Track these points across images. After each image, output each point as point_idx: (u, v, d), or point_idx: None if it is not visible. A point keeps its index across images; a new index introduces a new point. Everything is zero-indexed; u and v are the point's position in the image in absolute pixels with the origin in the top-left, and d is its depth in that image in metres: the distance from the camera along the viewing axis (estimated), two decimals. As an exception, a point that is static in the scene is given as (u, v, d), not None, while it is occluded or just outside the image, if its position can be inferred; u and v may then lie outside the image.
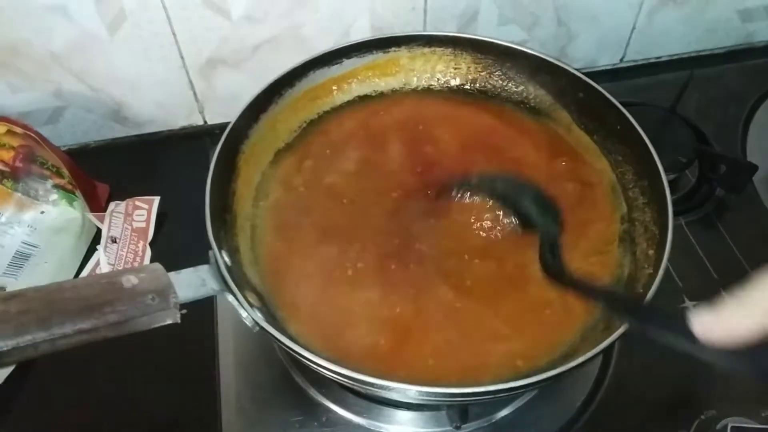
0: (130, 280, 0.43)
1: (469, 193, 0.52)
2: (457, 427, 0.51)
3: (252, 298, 0.47)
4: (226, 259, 0.47)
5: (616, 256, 0.51)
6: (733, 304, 0.24)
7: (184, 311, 0.44)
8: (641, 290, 0.46)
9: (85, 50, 0.66)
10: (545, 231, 0.48)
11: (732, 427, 0.48)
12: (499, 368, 0.45)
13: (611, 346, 0.41)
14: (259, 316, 0.44)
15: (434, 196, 0.53)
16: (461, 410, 0.50)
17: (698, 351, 0.26)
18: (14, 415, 0.56)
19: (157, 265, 0.44)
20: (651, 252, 0.49)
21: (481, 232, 0.52)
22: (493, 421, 0.54)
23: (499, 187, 0.52)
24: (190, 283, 0.45)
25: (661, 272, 0.44)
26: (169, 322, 0.44)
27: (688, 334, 0.26)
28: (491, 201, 0.52)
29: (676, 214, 0.66)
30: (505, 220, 0.51)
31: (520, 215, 0.51)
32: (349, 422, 0.54)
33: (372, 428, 0.54)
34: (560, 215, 0.49)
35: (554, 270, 0.45)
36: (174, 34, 0.66)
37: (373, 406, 0.54)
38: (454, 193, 0.52)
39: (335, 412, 0.54)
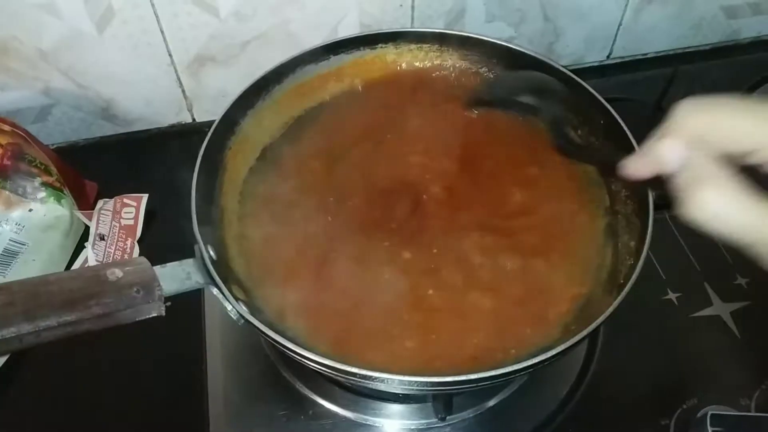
0: (115, 273, 0.43)
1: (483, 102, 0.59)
2: (442, 419, 0.51)
3: (237, 292, 0.47)
4: (212, 253, 0.48)
5: (599, 248, 0.51)
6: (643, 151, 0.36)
7: (168, 304, 0.44)
8: (622, 281, 0.47)
9: (73, 48, 0.66)
10: (550, 114, 0.55)
11: (711, 415, 0.48)
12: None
13: (595, 334, 0.41)
14: (244, 309, 0.45)
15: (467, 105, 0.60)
16: (446, 401, 0.51)
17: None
18: (3, 409, 0.56)
19: (142, 259, 0.45)
20: (632, 244, 0.49)
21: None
22: (479, 412, 0.54)
23: (507, 84, 0.60)
24: (175, 276, 0.45)
25: (640, 263, 0.44)
26: (154, 315, 0.44)
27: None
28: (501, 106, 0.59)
29: (660, 207, 0.67)
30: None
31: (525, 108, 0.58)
32: (335, 415, 0.54)
33: (358, 421, 0.54)
34: (562, 91, 0.56)
35: (565, 146, 0.53)
36: (162, 32, 0.66)
37: (359, 399, 0.54)
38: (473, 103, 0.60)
39: (322, 406, 0.54)
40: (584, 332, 0.41)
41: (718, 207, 0.31)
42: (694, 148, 0.32)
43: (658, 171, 0.35)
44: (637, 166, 0.37)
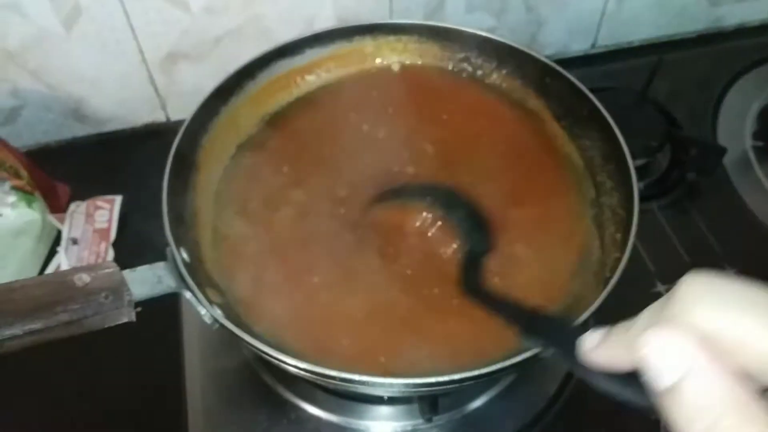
0: (83, 279, 0.42)
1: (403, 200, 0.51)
2: (429, 420, 0.50)
3: (213, 295, 0.46)
4: (185, 255, 0.46)
5: (585, 242, 0.50)
6: (621, 335, 0.23)
7: (138, 309, 0.43)
8: (608, 274, 0.45)
9: (40, 47, 0.64)
10: (472, 246, 0.48)
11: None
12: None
13: (584, 328, 0.40)
14: (218, 313, 0.43)
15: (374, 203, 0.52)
16: (431, 402, 0.49)
17: (586, 375, 0.26)
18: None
19: (111, 263, 0.43)
20: (618, 236, 0.48)
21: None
22: (465, 412, 0.53)
23: (435, 196, 0.51)
24: (146, 280, 0.44)
25: (626, 255, 0.43)
26: (124, 320, 0.43)
27: (576, 356, 0.26)
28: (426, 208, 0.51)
29: (648, 198, 0.67)
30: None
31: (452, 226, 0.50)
32: (318, 419, 0.53)
33: (342, 424, 0.52)
34: (490, 235, 0.49)
35: (473, 286, 0.44)
36: (132, 29, 0.64)
37: (342, 402, 0.53)
38: (389, 201, 0.51)
39: (304, 410, 0.53)
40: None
41: None
42: (705, 354, 0.20)
43: (634, 368, 0.22)
44: (605, 352, 0.24)
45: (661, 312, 0.21)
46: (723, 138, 0.73)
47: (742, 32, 0.86)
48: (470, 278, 0.45)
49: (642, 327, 0.22)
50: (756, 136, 0.73)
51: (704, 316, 0.20)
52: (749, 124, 0.74)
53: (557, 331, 0.30)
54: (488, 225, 0.49)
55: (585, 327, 0.27)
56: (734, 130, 0.74)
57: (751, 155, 0.71)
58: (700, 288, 0.20)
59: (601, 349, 0.24)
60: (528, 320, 0.35)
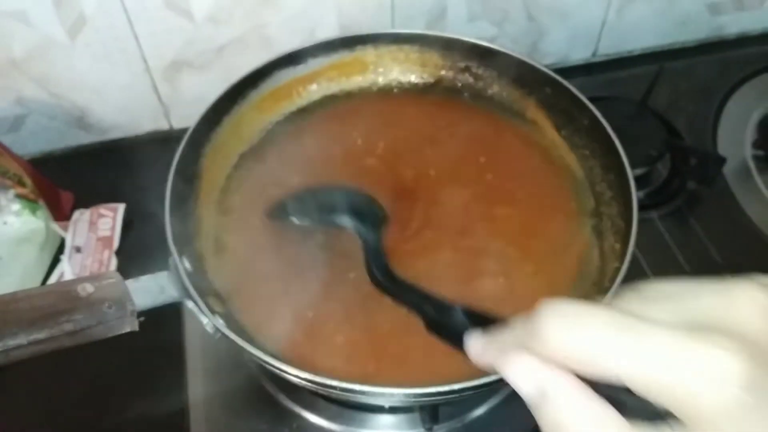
0: (86, 289, 0.42)
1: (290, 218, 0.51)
2: (429, 429, 0.50)
3: (215, 304, 0.46)
4: (187, 264, 0.46)
5: (584, 252, 0.50)
6: (494, 347, 0.26)
7: (141, 319, 0.43)
8: (608, 284, 0.45)
9: (45, 56, 0.64)
10: (366, 238, 0.46)
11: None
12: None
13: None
14: (220, 323, 0.43)
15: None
16: (432, 411, 0.49)
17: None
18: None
19: (114, 273, 0.44)
20: (617, 246, 0.48)
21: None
22: (466, 421, 0.53)
23: (314, 202, 0.51)
24: (149, 290, 0.44)
25: (625, 265, 0.43)
26: (128, 330, 0.43)
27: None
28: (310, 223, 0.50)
29: (648, 208, 0.67)
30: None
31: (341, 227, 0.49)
32: (320, 428, 0.53)
33: (343, 433, 0.53)
34: (381, 214, 0.47)
35: (383, 279, 0.42)
36: (136, 37, 0.65)
37: (344, 411, 0.53)
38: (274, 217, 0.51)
39: (306, 419, 0.53)
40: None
41: None
42: (559, 375, 0.22)
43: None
44: (482, 353, 0.27)
45: (522, 334, 0.24)
46: (723, 147, 0.73)
47: (743, 41, 0.87)
48: (377, 267, 0.44)
49: (507, 345, 0.24)
50: (756, 145, 0.73)
51: (556, 339, 0.22)
52: (749, 134, 0.74)
53: (454, 325, 0.31)
54: (373, 206, 0.48)
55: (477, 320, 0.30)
56: (734, 139, 0.74)
57: (751, 164, 0.71)
58: (554, 314, 0.22)
59: (481, 358, 0.27)
60: (431, 312, 0.36)
